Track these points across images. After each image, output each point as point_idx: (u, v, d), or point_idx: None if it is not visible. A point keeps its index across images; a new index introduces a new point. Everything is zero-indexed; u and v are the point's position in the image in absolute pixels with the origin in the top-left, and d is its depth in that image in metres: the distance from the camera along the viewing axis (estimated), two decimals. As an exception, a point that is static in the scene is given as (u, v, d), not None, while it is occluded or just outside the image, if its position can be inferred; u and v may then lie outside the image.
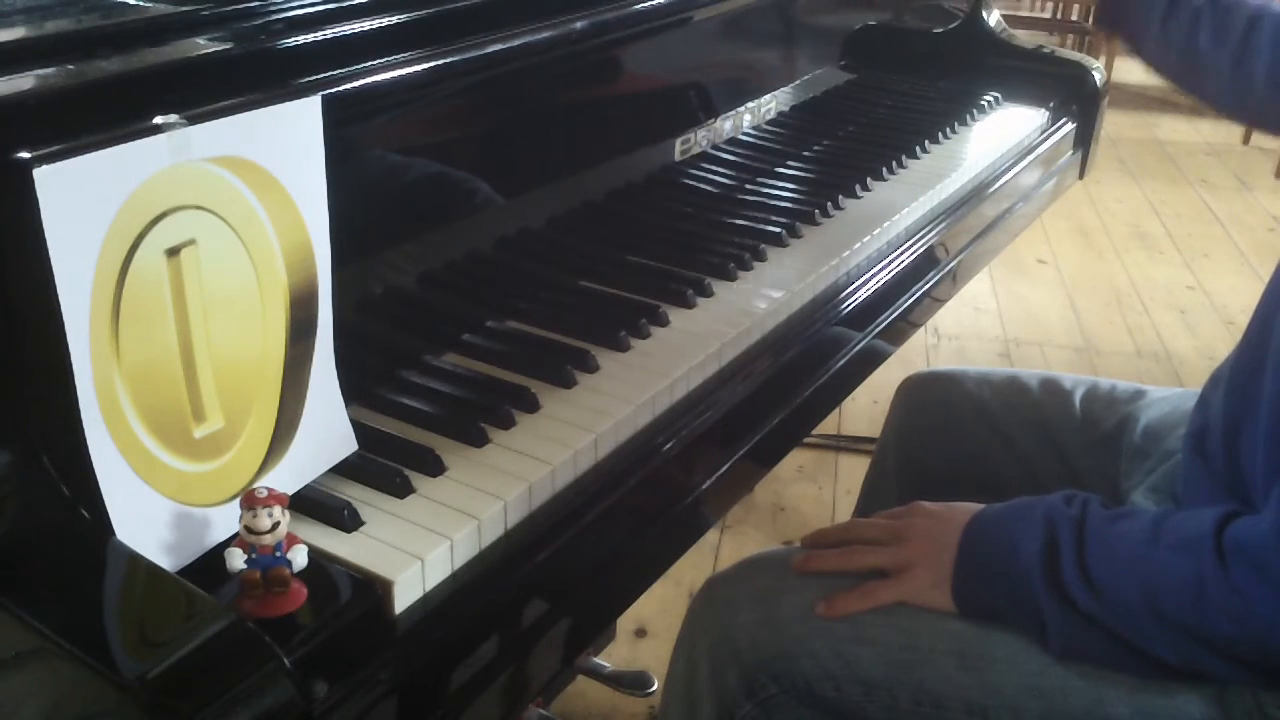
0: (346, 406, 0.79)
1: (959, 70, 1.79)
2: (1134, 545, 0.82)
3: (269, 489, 0.65)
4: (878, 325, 1.19)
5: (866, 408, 2.45)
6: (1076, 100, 1.76)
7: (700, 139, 1.26)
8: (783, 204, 1.31)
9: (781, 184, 1.37)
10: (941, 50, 1.81)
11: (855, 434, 2.36)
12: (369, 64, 0.81)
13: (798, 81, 1.47)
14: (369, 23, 0.84)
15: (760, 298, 1.09)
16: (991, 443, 1.19)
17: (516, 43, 0.93)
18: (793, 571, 0.94)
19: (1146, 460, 1.08)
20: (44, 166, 0.58)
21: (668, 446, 0.89)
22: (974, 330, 2.94)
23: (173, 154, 0.64)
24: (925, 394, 1.28)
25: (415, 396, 0.89)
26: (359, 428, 0.80)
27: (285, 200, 0.71)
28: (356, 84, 0.79)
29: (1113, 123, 3.86)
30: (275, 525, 0.64)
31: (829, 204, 1.30)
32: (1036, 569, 0.84)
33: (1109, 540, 0.83)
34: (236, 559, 0.64)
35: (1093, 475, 1.13)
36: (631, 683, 1.48)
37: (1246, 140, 4.58)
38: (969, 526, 0.90)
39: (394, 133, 0.87)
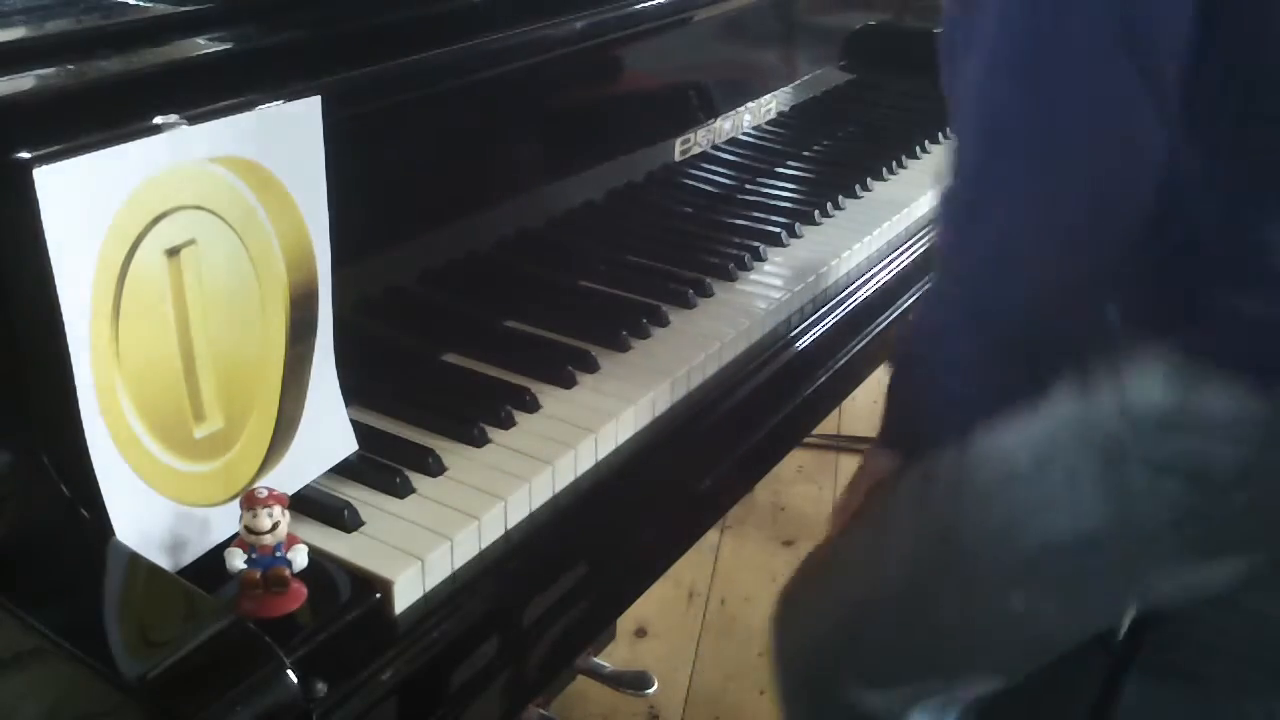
0: (346, 406, 0.79)
1: (959, 70, 1.79)
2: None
3: (269, 489, 0.65)
4: (878, 325, 1.19)
5: (866, 408, 2.45)
6: (1076, 100, 1.76)
7: (700, 139, 1.26)
8: (783, 204, 1.31)
9: (781, 184, 1.37)
10: (941, 50, 1.81)
11: (855, 434, 2.36)
12: (369, 64, 0.81)
13: (798, 81, 1.46)
14: (368, 22, 0.84)
15: (760, 298, 1.09)
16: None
17: (516, 43, 0.93)
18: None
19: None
20: (44, 166, 0.58)
21: (667, 447, 0.89)
22: (974, 330, 2.94)
23: (173, 154, 0.64)
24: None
25: (415, 396, 0.89)
26: (359, 428, 0.80)
27: (285, 200, 0.71)
28: (356, 84, 0.79)
29: (1113, 123, 3.83)
30: (275, 525, 0.64)
31: (829, 204, 1.30)
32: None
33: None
34: (236, 559, 0.64)
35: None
36: (631, 683, 1.48)
37: (1246, 140, 4.58)
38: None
39: (394, 132, 0.87)
